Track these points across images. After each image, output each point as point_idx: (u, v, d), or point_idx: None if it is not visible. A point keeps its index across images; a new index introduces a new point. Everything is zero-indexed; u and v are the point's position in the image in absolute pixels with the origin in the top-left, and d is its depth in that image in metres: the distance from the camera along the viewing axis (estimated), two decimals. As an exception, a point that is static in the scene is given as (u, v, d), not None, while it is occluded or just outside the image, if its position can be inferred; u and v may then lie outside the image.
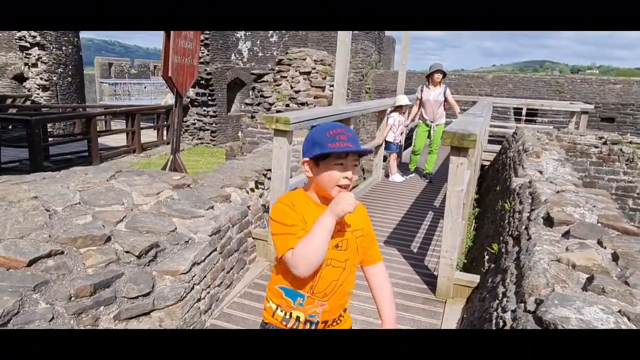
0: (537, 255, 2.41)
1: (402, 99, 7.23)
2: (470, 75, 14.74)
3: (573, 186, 4.06)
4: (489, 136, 11.58)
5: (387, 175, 7.56)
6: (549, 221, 2.97)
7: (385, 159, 7.78)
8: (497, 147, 9.77)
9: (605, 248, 2.43)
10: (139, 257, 2.56)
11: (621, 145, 8.41)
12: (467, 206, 5.32)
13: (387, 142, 7.30)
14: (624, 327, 1.63)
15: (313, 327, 1.52)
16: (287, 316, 1.52)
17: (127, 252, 2.55)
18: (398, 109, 7.19)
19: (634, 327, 1.66)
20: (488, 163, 9.96)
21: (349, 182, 1.44)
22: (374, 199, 6.01)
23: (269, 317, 1.56)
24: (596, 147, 8.50)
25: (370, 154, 1.42)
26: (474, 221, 6.17)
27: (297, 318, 1.51)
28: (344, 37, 4.91)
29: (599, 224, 2.89)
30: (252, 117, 8.34)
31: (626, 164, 8.26)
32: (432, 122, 7.12)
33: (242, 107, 10.87)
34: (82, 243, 2.46)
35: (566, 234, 2.73)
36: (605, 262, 2.24)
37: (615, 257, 2.30)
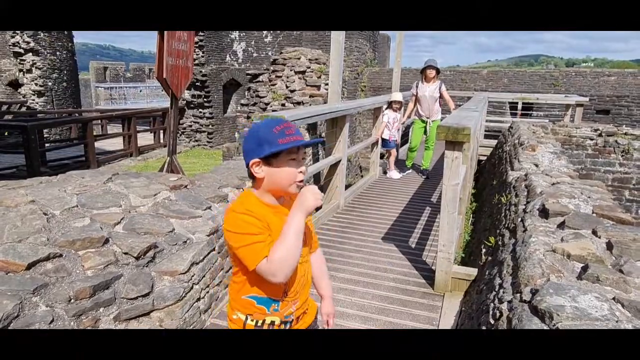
0: (533, 246, 2.43)
1: (395, 95, 7.26)
2: (465, 71, 14.76)
3: (568, 178, 4.09)
4: (486, 131, 11.61)
5: (384, 172, 7.58)
6: (544, 213, 2.99)
7: (382, 156, 7.80)
8: (494, 142, 9.80)
9: (599, 237, 2.45)
10: (137, 258, 2.57)
11: (616, 136, 8.44)
12: (464, 201, 5.34)
13: (383, 140, 7.32)
14: (617, 313, 1.66)
15: (288, 327, 1.51)
16: (260, 324, 1.47)
17: (125, 253, 2.56)
18: (392, 105, 7.20)
19: (628, 314, 1.68)
20: (485, 158, 9.99)
21: (304, 177, 1.42)
22: (372, 196, 6.03)
23: (240, 328, 1.50)
24: (592, 139, 8.53)
25: (320, 144, 1.40)
26: (471, 215, 6.20)
27: (272, 322, 1.47)
28: (337, 36, 4.93)
29: (594, 214, 2.91)
30: (248, 117, 8.36)
31: (622, 155, 8.30)
32: (427, 118, 7.14)
33: (238, 107, 10.87)
34: (81, 245, 2.46)
35: (561, 225, 2.75)
36: (600, 251, 2.26)
37: (609, 246, 2.32)
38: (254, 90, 8.74)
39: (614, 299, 1.78)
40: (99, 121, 14.71)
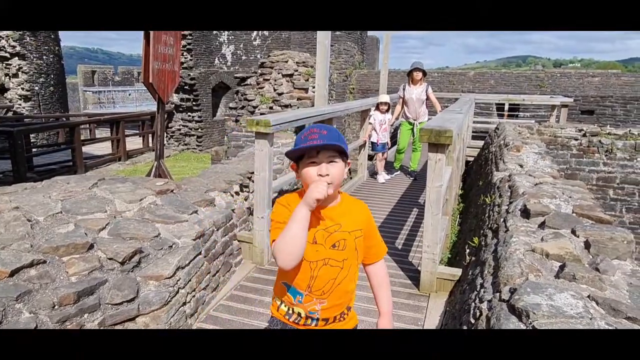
0: (513, 246, 2.48)
1: (382, 97, 7.29)
2: (453, 73, 14.90)
3: (551, 178, 4.15)
4: (473, 132, 11.72)
5: (373, 175, 7.62)
6: (525, 213, 3.04)
7: (371, 158, 7.84)
8: (481, 143, 9.90)
9: (578, 237, 2.51)
10: (122, 263, 2.57)
11: (600, 136, 8.58)
12: (451, 202, 5.40)
13: (372, 143, 7.36)
14: (592, 310, 1.70)
15: (314, 324, 1.57)
16: (290, 311, 1.59)
17: (110, 259, 2.56)
18: (380, 107, 7.22)
19: (602, 311, 1.73)
20: (472, 159, 10.09)
21: (325, 179, 1.47)
22: (360, 198, 6.05)
23: (275, 311, 1.64)
24: (576, 140, 8.66)
25: (339, 148, 1.42)
26: (458, 216, 6.26)
27: (299, 314, 1.57)
28: (323, 39, 4.97)
29: (574, 214, 2.97)
30: (237, 120, 8.36)
31: (605, 155, 8.43)
32: (414, 120, 7.20)
33: (227, 111, 10.87)
34: (65, 251, 2.46)
35: (542, 225, 2.80)
36: (578, 250, 2.31)
37: (587, 245, 2.37)
38: (242, 94, 8.75)
39: (589, 296, 1.82)
40: (87, 125, 14.59)
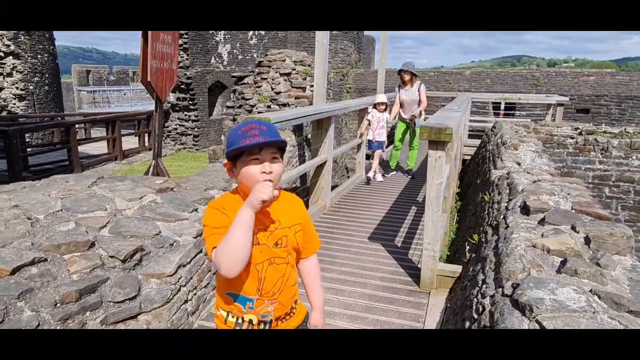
0: (514, 242, 2.49)
1: (380, 97, 7.30)
2: (449, 72, 14.94)
3: (549, 176, 4.18)
4: (469, 131, 11.76)
5: (369, 174, 7.63)
6: (525, 209, 3.06)
7: (368, 157, 7.85)
8: (478, 142, 9.93)
9: (578, 233, 2.52)
10: (124, 261, 2.57)
11: (596, 135, 8.63)
12: (449, 199, 5.42)
13: (368, 141, 7.36)
14: (594, 305, 1.71)
15: (267, 327, 1.53)
16: (240, 321, 1.51)
17: (111, 256, 2.56)
18: (377, 107, 7.24)
19: (604, 305, 1.74)
20: (469, 157, 10.13)
21: (269, 176, 1.39)
22: (358, 197, 6.08)
23: (222, 324, 1.54)
24: (572, 138, 8.71)
25: (283, 144, 1.38)
26: (456, 214, 6.29)
27: (250, 321, 1.50)
28: (321, 38, 4.97)
29: (573, 210, 2.99)
30: (234, 119, 8.35)
31: (601, 153, 8.49)
32: (410, 120, 7.22)
33: (224, 110, 10.85)
34: (66, 249, 2.45)
35: (542, 221, 2.82)
36: (578, 246, 2.33)
37: (587, 241, 2.39)
38: (240, 93, 8.73)
39: (590, 291, 1.84)
40: (82, 125, 14.52)
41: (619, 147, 8.42)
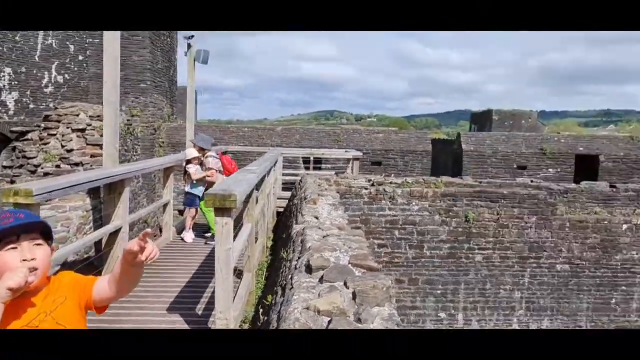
0: (293, 305, 2.57)
1: (189, 152, 7.12)
2: (262, 128, 15.69)
3: (337, 230, 4.56)
4: (283, 183, 12.38)
5: (179, 233, 7.28)
6: (309, 268, 3.22)
7: (181, 212, 7.49)
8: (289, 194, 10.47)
9: (348, 288, 2.74)
10: None
11: (384, 185, 9.94)
12: (254, 257, 5.47)
13: (185, 194, 7.05)
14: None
15: None
16: None
17: None
18: (192, 161, 7.01)
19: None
20: (282, 210, 10.57)
21: (32, 264, 1.29)
22: (161, 262, 5.68)
23: None
24: (366, 189, 9.84)
25: (45, 229, 1.28)
26: (265, 270, 6.38)
27: None
28: (108, 96, 4.65)
29: (350, 265, 3.27)
30: (12, 182, 7.13)
31: (389, 201, 9.78)
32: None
33: (1, 170, 9.23)
34: None
35: (321, 279, 3.00)
36: (346, 303, 2.51)
37: (354, 296, 2.60)
38: (20, 150, 7.56)
39: (347, 350, 1.98)
40: None
41: (402, 195, 9.82)
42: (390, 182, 10.08)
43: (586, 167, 14.90)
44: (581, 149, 14.85)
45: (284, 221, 9.09)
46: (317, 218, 5.51)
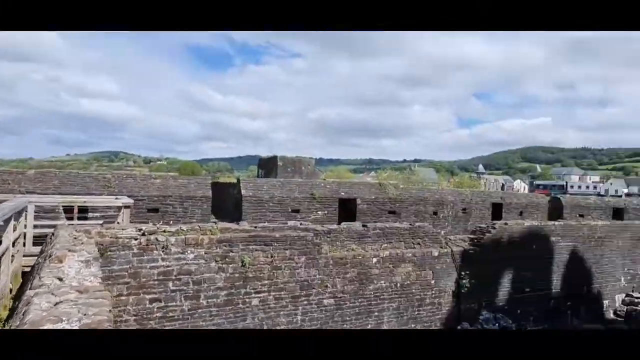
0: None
1: None
2: (9, 172, 13.09)
3: (76, 294, 3.96)
4: (37, 237, 10.46)
5: None
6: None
7: None
8: (37, 251, 8.83)
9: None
10: None
11: (157, 234, 9.32)
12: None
13: None
14: None
15: None
16: None
17: None
18: None
19: None
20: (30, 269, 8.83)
21: None
22: None
23: None
24: (136, 239, 9.05)
25: None
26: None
27: None
28: None
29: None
30: None
31: (163, 251, 9.19)
32: None
33: None
34: None
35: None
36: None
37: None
38: None
39: None
40: None
41: (176, 244, 9.37)
42: (164, 231, 9.53)
43: (348, 209, 17.14)
44: (343, 193, 17.04)
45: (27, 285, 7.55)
46: (60, 280, 4.73)
